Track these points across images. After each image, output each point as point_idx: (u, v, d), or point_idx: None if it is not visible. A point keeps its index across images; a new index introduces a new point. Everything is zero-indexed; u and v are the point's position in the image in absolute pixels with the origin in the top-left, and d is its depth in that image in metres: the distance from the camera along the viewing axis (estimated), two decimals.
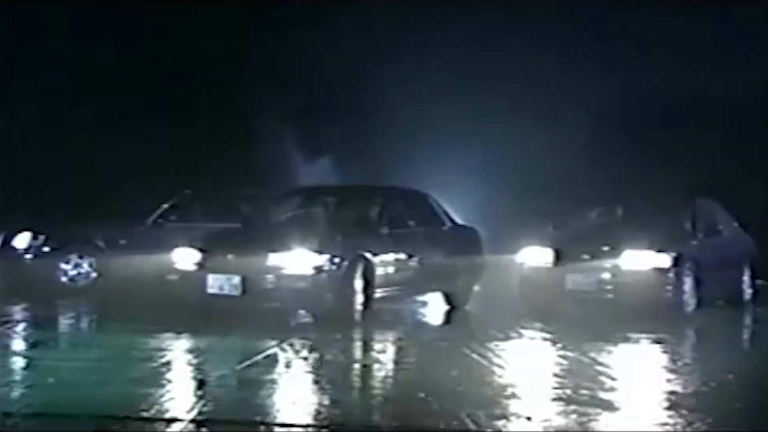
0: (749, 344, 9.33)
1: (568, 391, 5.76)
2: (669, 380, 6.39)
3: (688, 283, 9.76)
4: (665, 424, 4.99)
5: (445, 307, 10.44)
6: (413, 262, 9.89)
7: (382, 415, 5.28)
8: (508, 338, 8.42)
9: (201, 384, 6.09)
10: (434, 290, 10.50)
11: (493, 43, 13.70)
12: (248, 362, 6.63)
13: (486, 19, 13.78)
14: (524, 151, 12.65)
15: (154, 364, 6.60)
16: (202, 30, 14.32)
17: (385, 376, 6.75)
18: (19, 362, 7.13)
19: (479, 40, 13.80)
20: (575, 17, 13.73)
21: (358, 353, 7.88)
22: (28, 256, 11.61)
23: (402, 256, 9.68)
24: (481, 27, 13.82)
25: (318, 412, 5.27)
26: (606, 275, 9.88)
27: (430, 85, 13.84)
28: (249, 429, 4.84)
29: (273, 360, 6.80)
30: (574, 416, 5.11)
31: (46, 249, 11.59)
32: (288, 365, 6.67)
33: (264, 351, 7.10)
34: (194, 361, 7.06)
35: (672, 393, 5.84)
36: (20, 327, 8.94)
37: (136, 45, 14.36)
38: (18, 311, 9.77)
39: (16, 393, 5.78)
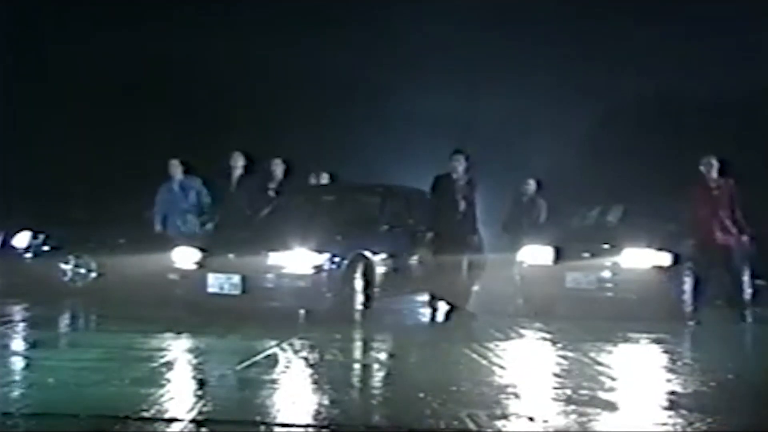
0: (749, 344, 9.33)
1: (568, 391, 5.76)
2: (669, 380, 6.39)
3: (688, 282, 9.77)
4: (665, 424, 4.99)
5: (445, 307, 10.43)
6: (413, 261, 9.90)
7: (382, 415, 5.28)
8: (508, 338, 8.43)
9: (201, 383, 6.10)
10: (434, 289, 10.49)
11: (491, 41, 13.69)
12: (248, 362, 6.63)
13: (483, 20, 13.78)
14: (524, 150, 12.63)
15: (154, 364, 6.59)
16: (199, 31, 14.33)
17: (385, 376, 6.75)
18: (19, 362, 7.12)
19: (477, 40, 13.79)
20: (576, 16, 13.73)
21: (358, 353, 7.88)
22: (28, 255, 11.61)
23: (402, 254, 9.68)
24: (478, 28, 13.81)
25: (318, 412, 5.26)
26: (606, 273, 9.90)
27: (429, 82, 13.83)
28: (249, 429, 4.84)
29: (273, 360, 6.80)
30: (574, 416, 5.11)
31: (45, 248, 11.59)
32: (288, 365, 6.66)
33: (264, 351, 7.10)
34: (194, 361, 7.06)
35: (672, 393, 5.84)
36: (20, 327, 8.94)
37: (137, 45, 14.35)
38: (18, 311, 9.77)
39: (16, 393, 5.77)
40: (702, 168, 9.87)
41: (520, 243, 10.84)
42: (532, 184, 12.09)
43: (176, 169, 11.42)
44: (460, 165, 10.38)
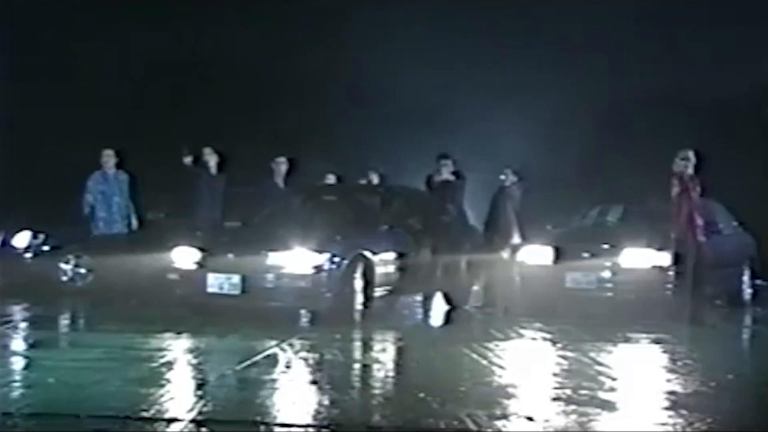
0: (749, 344, 9.33)
1: (568, 391, 5.76)
2: (669, 380, 6.39)
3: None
4: (665, 424, 5.00)
5: (445, 307, 10.43)
6: (413, 261, 9.89)
7: (382, 415, 5.28)
8: (508, 338, 8.43)
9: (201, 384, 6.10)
10: (434, 289, 10.50)
11: (490, 40, 13.70)
12: (248, 362, 6.63)
13: (481, 22, 13.80)
14: (524, 151, 12.64)
15: (154, 364, 6.60)
16: (198, 31, 14.34)
17: (385, 376, 6.75)
18: (19, 362, 7.12)
19: (475, 40, 13.79)
20: (575, 16, 13.73)
21: (358, 353, 7.88)
22: (28, 255, 11.59)
23: (402, 254, 9.67)
24: (476, 29, 13.82)
25: (318, 412, 5.27)
26: (606, 273, 9.90)
27: (429, 80, 13.84)
28: (249, 429, 4.84)
29: (273, 360, 6.80)
30: (574, 416, 5.12)
31: (45, 248, 11.56)
32: (288, 365, 6.67)
33: (264, 351, 7.10)
34: (194, 361, 7.06)
35: (672, 393, 5.85)
36: (20, 327, 8.94)
37: (137, 45, 14.36)
38: (18, 311, 9.77)
39: (16, 393, 5.78)
40: (681, 162, 9.37)
41: (498, 236, 10.94)
42: (508, 174, 11.91)
43: (110, 159, 11.16)
44: (448, 169, 10.60)
